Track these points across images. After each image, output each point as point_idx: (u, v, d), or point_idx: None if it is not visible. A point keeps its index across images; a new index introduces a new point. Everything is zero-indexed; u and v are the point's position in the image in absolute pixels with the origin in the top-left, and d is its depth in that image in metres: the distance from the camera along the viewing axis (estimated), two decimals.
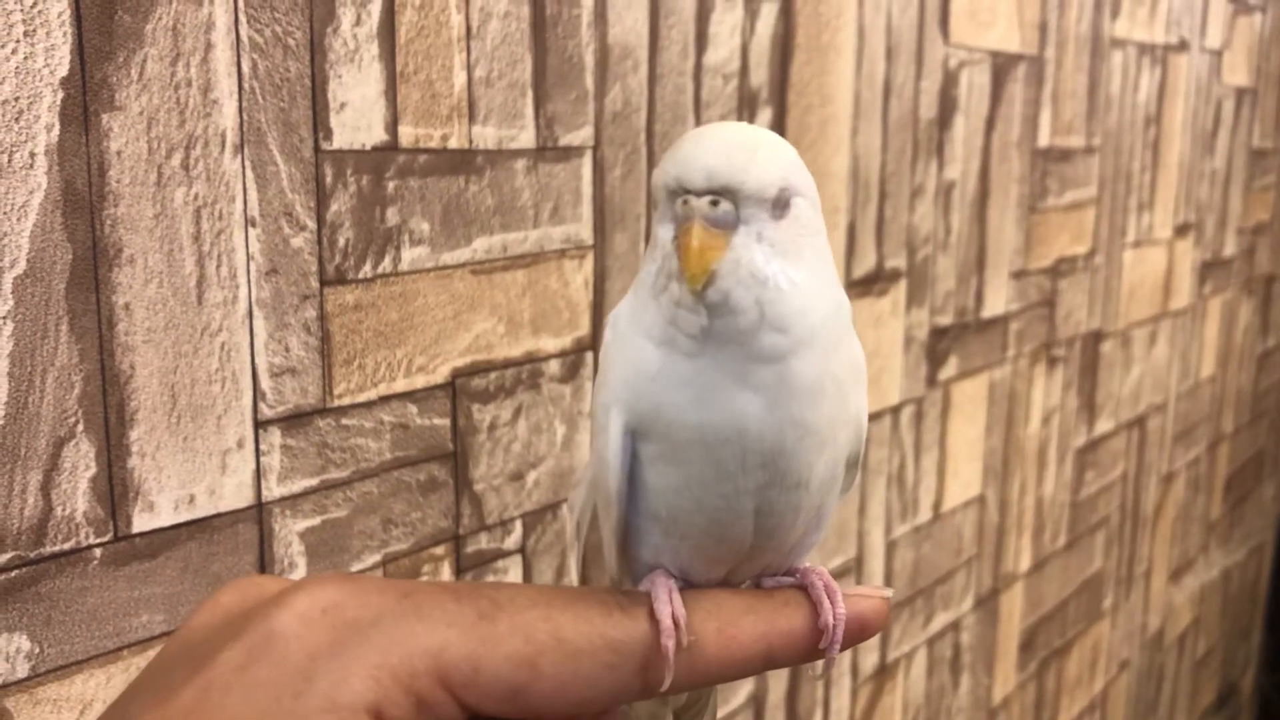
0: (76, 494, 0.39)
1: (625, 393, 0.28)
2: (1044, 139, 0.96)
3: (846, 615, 0.28)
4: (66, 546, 0.39)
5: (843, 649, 0.28)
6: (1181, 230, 1.26)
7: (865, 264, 0.76)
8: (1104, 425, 1.16)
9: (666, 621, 0.26)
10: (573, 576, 0.57)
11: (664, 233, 0.27)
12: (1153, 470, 1.30)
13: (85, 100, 0.37)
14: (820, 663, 0.28)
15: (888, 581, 0.84)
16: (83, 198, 0.38)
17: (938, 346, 0.86)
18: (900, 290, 0.80)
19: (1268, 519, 1.78)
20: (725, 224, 0.26)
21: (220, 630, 0.24)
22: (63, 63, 0.37)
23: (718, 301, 0.26)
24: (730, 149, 0.26)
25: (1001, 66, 0.88)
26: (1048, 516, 1.08)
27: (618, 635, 0.26)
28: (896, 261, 0.79)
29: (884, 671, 0.86)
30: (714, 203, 0.26)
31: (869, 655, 0.84)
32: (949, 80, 0.82)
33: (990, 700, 1.03)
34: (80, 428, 0.39)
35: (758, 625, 0.27)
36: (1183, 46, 1.19)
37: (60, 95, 0.37)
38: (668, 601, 0.26)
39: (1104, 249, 1.09)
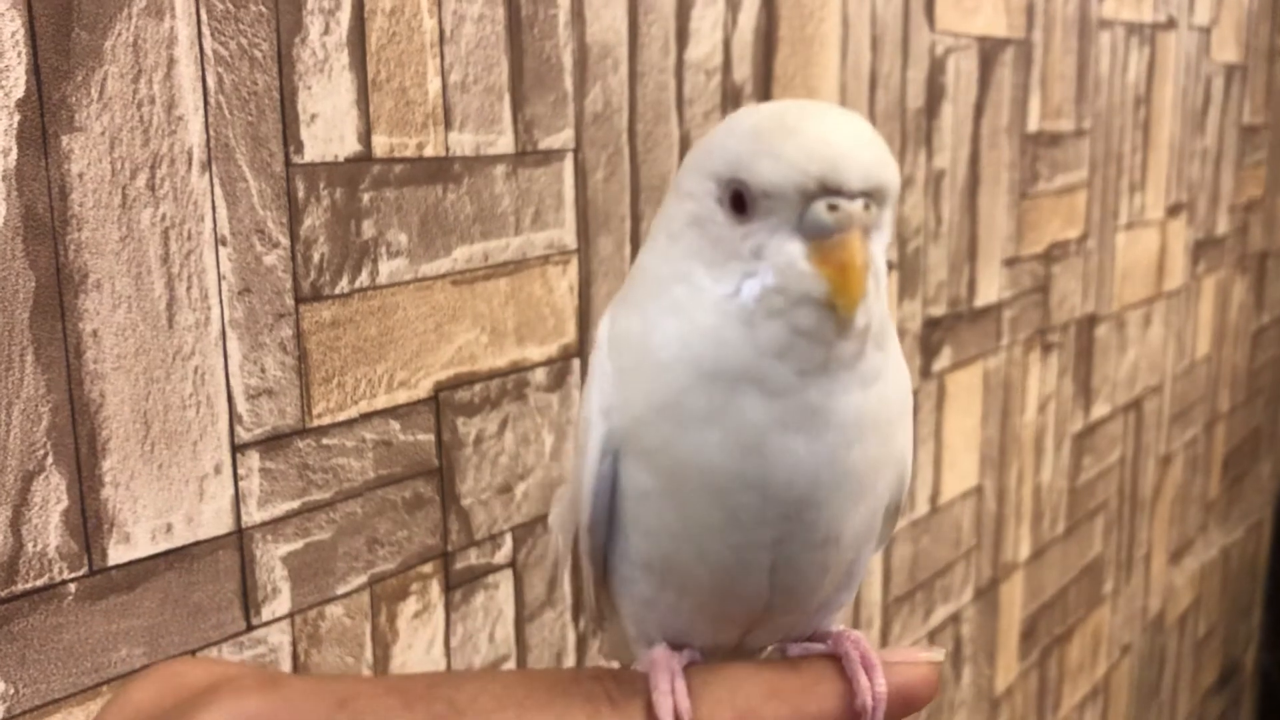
0: (48, 528, 0.38)
1: (624, 423, 0.24)
2: (1033, 123, 0.94)
3: (888, 690, 0.23)
4: (39, 583, 0.38)
5: None
6: (1174, 210, 1.25)
7: None
8: (1100, 410, 1.15)
9: (667, 719, 0.22)
10: (565, 590, 0.56)
11: (777, 243, 0.22)
12: (1150, 453, 1.30)
13: (43, 122, 0.36)
14: None
15: (886, 578, 0.83)
16: (44, 223, 0.36)
17: (931, 337, 0.85)
18: (892, 283, 0.79)
19: (1265, 496, 1.78)
20: (870, 231, 0.22)
21: None
22: (18, 84, 0.35)
23: (863, 324, 0.22)
24: (871, 140, 0.22)
25: (989, 52, 0.86)
26: (1046, 504, 1.07)
27: None
28: (888, 254, 0.78)
29: None
30: (865, 206, 0.21)
31: None
32: (936, 68, 0.80)
33: (993, 690, 1.02)
34: (50, 460, 0.37)
35: (781, 711, 0.22)
36: (1171, 24, 1.17)
37: (16, 118, 0.35)
38: (669, 691, 0.22)
39: (1096, 232, 1.08)
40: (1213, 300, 1.41)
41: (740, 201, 0.22)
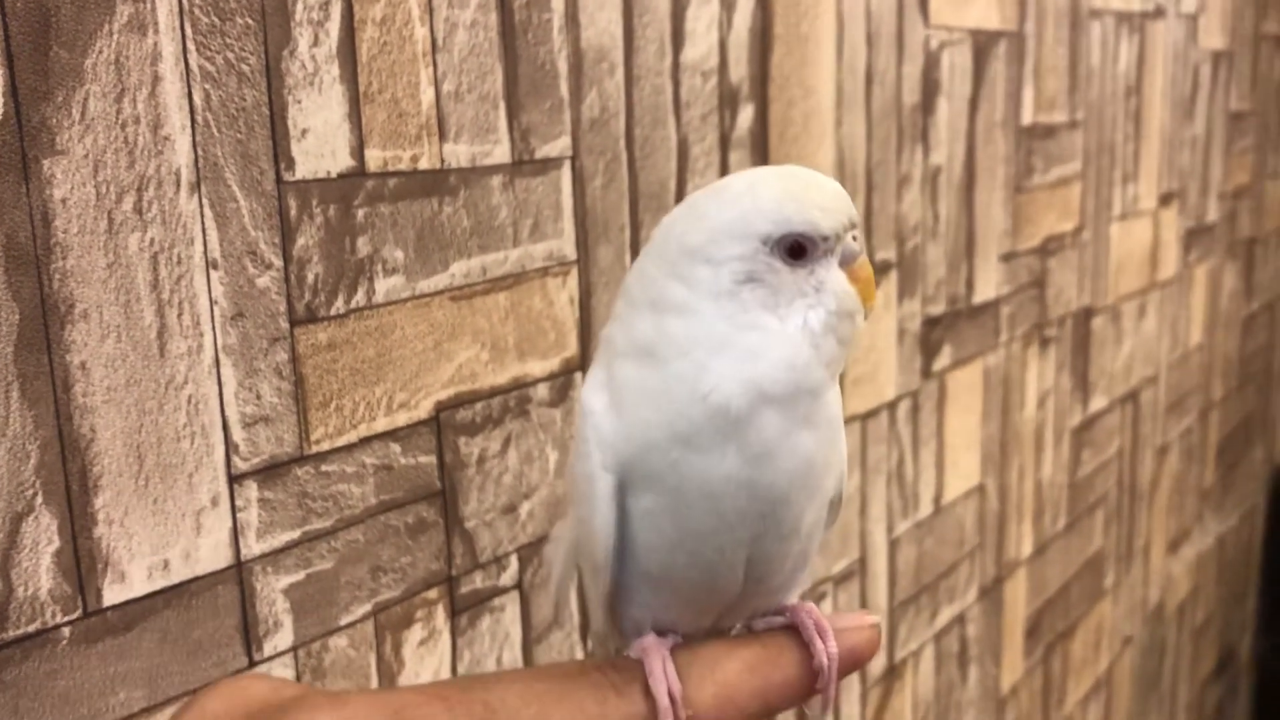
0: (39, 571, 0.36)
1: (629, 460, 0.27)
2: (1027, 116, 0.93)
3: (839, 651, 0.28)
4: (31, 629, 0.36)
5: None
6: (1165, 199, 1.24)
7: None
8: (1098, 403, 1.15)
9: (664, 701, 0.26)
10: (573, 609, 0.55)
11: (832, 275, 0.27)
12: (1147, 444, 1.29)
13: (23, 146, 0.34)
14: (818, 699, 0.28)
15: (892, 581, 0.82)
16: (27, 252, 0.35)
17: (931, 337, 0.83)
18: (891, 283, 0.78)
19: (1258, 482, 1.77)
20: None
21: None
22: None
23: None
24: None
25: (982, 45, 0.85)
26: (1047, 499, 1.06)
27: None
28: (886, 253, 0.77)
29: (892, 672, 0.84)
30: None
31: (876, 657, 0.82)
32: (930, 63, 0.79)
33: (999, 690, 1.01)
34: (39, 500, 0.36)
35: (753, 682, 0.27)
36: (1159, 13, 1.16)
37: None
38: (663, 677, 0.26)
39: (1091, 224, 1.07)
40: (1204, 288, 1.40)
41: (799, 249, 0.27)
